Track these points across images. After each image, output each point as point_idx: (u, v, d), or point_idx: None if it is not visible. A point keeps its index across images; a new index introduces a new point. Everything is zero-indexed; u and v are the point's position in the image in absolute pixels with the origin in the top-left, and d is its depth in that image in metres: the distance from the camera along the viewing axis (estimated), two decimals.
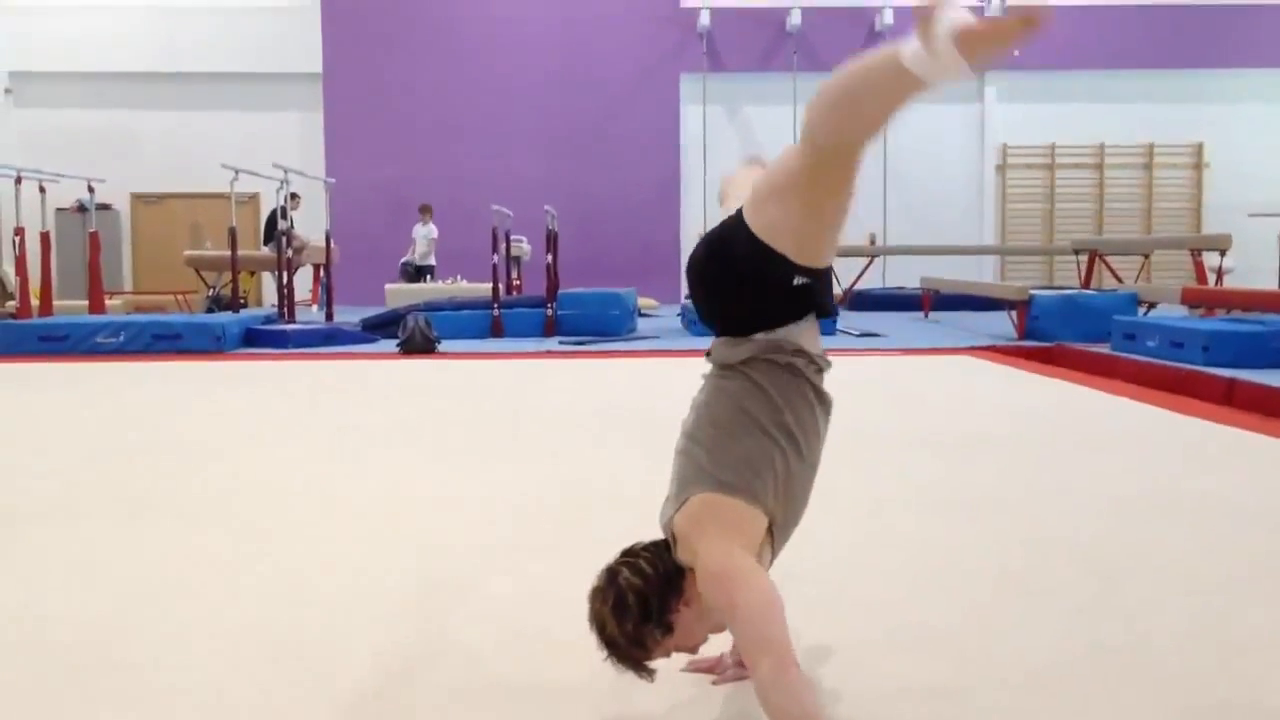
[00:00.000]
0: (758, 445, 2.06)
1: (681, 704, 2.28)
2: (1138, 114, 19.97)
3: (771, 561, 2.15)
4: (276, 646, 2.66)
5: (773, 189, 2.09)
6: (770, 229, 2.08)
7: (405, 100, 19.70)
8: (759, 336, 2.14)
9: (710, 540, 2.00)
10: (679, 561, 2.06)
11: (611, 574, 2.05)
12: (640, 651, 2.02)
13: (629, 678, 2.08)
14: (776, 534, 2.11)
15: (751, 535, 2.04)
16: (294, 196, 13.19)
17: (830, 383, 2.23)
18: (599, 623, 2.04)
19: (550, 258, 13.24)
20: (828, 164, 2.01)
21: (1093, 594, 3.06)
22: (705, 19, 19.52)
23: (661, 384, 8.13)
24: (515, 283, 16.16)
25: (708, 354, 2.24)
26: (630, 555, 2.09)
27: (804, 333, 2.17)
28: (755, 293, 2.12)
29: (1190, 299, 11.22)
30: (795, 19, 19.39)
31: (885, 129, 2.03)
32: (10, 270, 14.58)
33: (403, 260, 17.54)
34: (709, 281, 2.19)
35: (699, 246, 2.23)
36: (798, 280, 2.10)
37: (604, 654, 2.05)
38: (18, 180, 13.20)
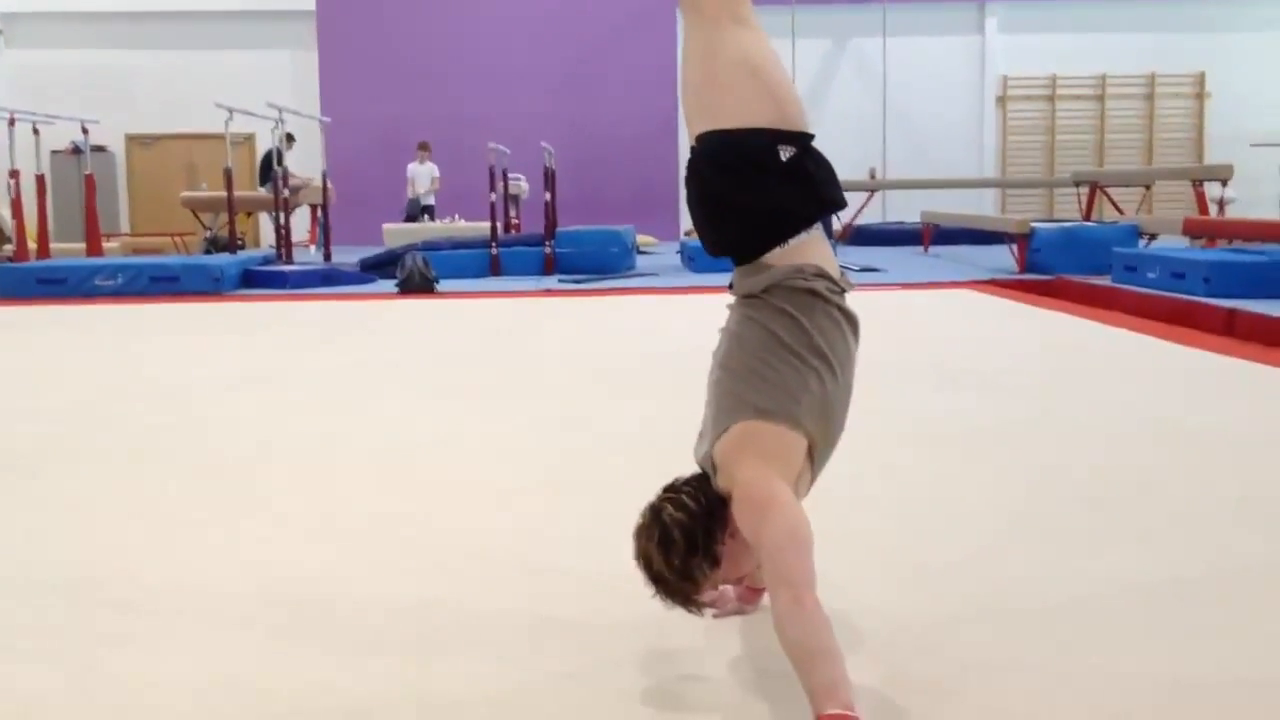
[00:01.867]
0: (792, 370, 2.05)
1: (692, 639, 2.29)
2: (1139, 44, 19.80)
3: (811, 483, 2.14)
4: (277, 587, 2.67)
5: (704, 70, 2.17)
6: (729, 107, 2.11)
7: (400, 37, 19.51)
8: (775, 258, 2.12)
9: (747, 467, 1.99)
10: (720, 492, 2.05)
11: (655, 510, 2.04)
12: (689, 586, 2.01)
13: (677, 613, 2.07)
14: (816, 456, 2.10)
15: (790, 461, 2.04)
16: (289, 138, 13.08)
17: None
18: (645, 559, 2.03)
19: (548, 196, 13.17)
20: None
21: (1093, 526, 3.07)
22: None
23: (660, 321, 8.12)
24: (513, 221, 16.08)
25: (730, 286, 2.22)
26: (672, 490, 2.08)
27: (817, 250, 2.15)
28: (746, 179, 2.11)
29: (1192, 230, 11.17)
30: None
31: None
32: (6, 213, 14.52)
33: (409, 199, 17.30)
34: (702, 190, 2.18)
35: (687, 169, 2.24)
36: (784, 152, 2.10)
37: (652, 590, 2.04)
38: (11, 122, 13.11)
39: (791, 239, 2.12)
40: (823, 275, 2.12)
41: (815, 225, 2.16)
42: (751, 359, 2.08)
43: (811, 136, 2.16)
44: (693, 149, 2.20)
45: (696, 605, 2.06)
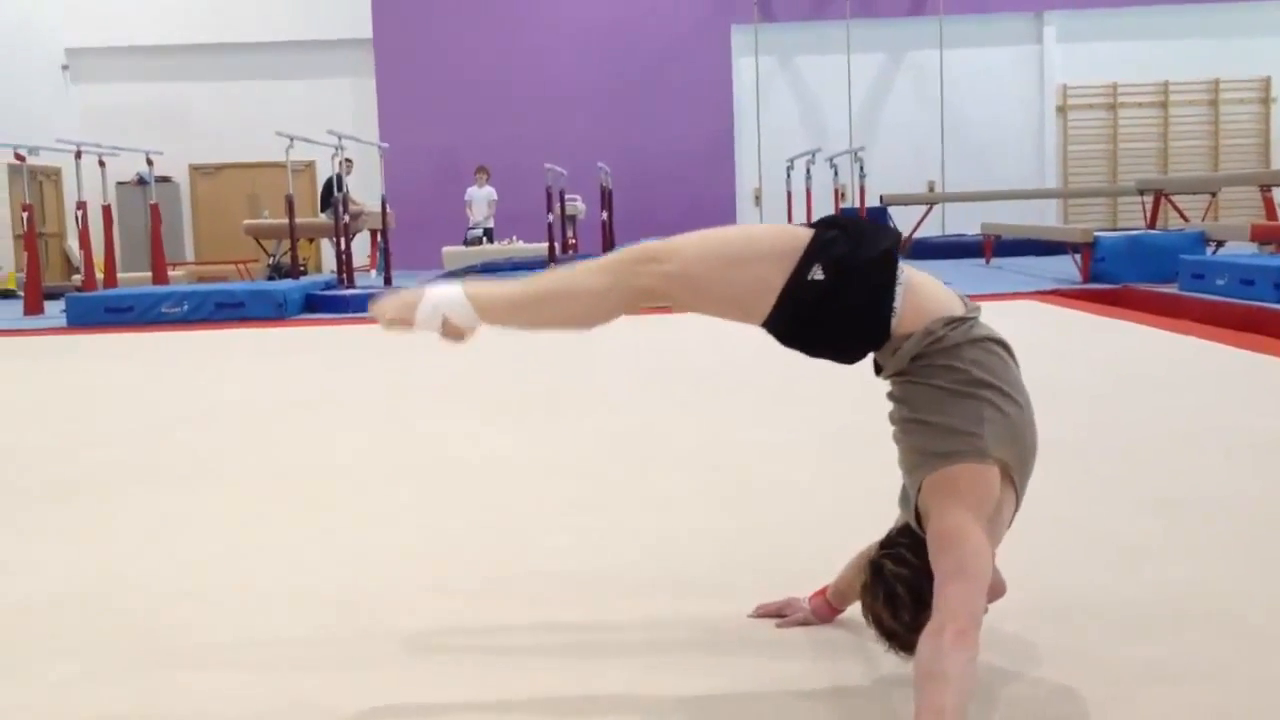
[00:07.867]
0: (963, 407, 2.03)
1: (760, 654, 2.27)
2: (1202, 49, 19.50)
3: (1018, 505, 2.12)
4: (339, 601, 2.69)
5: (715, 306, 2.19)
6: (761, 299, 2.10)
7: (456, 63, 19.67)
8: (898, 327, 2.07)
9: (943, 507, 2.00)
10: None
11: (876, 568, 2.07)
12: None
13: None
14: (1015, 476, 2.08)
15: (984, 493, 2.02)
16: (347, 161, 13.20)
17: None
18: (874, 617, 2.06)
19: (605, 215, 13.23)
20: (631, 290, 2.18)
21: (1157, 534, 3.01)
22: None
23: (714, 339, 8.09)
24: (571, 241, 16.14)
25: (878, 371, 2.19)
26: (889, 545, 2.10)
27: (925, 292, 2.10)
28: (819, 313, 2.08)
29: (1259, 236, 10.98)
30: None
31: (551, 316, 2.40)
32: (74, 244, 14.78)
33: (468, 229, 17.33)
34: (808, 351, 2.18)
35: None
36: (815, 273, 2.06)
37: (885, 646, 2.08)
38: (78, 155, 13.35)
39: (895, 306, 2.08)
40: (950, 322, 2.08)
41: (900, 272, 2.10)
42: (922, 414, 2.07)
43: (816, 230, 2.13)
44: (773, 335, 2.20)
45: None
